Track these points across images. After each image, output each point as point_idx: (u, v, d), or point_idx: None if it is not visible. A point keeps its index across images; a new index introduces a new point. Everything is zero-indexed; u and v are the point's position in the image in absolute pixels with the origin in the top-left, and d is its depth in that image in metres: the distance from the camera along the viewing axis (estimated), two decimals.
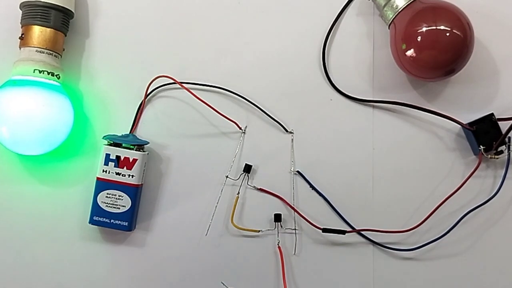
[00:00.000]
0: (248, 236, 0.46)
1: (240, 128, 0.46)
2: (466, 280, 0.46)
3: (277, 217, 0.45)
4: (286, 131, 0.47)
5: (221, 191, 0.45)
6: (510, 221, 0.45)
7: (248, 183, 0.46)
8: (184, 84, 0.46)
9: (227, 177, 0.46)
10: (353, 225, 0.46)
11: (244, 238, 0.46)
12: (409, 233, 0.45)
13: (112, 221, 0.44)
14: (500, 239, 0.46)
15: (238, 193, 0.46)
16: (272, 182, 0.46)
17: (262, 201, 0.46)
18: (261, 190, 0.46)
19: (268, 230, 0.46)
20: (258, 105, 0.46)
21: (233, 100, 0.47)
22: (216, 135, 0.47)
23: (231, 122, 0.46)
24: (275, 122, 0.46)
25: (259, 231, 0.45)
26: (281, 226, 0.45)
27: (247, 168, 0.46)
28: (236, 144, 0.46)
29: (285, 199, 0.46)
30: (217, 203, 0.45)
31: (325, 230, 0.45)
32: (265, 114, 0.46)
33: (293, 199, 0.46)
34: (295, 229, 0.46)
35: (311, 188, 0.46)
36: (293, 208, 0.46)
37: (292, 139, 0.47)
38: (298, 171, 0.46)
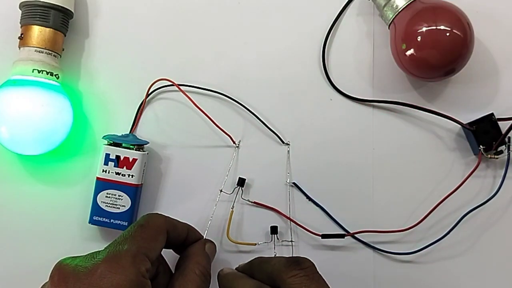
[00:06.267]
0: (244, 249, 0.46)
1: (234, 142, 0.46)
2: (466, 280, 0.46)
3: (273, 229, 0.45)
4: (283, 142, 0.46)
5: (215, 205, 0.45)
6: (510, 221, 0.46)
7: (243, 197, 0.46)
8: (184, 87, 0.46)
9: (221, 191, 0.45)
10: (352, 230, 0.46)
11: (241, 252, 0.46)
12: (408, 232, 0.45)
13: (112, 221, 0.44)
14: (500, 239, 0.46)
15: (233, 207, 0.45)
16: (268, 194, 0.46)
17: (257, 214, 0.46)
18: (255, 203, 0.46)
19: (265, 242, 0.45)
20: (256, 114, 0.46)
21: (231, 106, 0.47)
22: (215, 139, 0.47)
23: (228, 127, 0.46)
24: (273, 131, 0.46)
25: (255, 244, 0.45)
26: (278, 239, 0.45)
27: (241, 182, 0.45)
28: (233, 150, 0.46)
29: (280, 211, 0.46)
30: (211, 217, 0.45)
31: (324, 236, 0.45)
32: (262, 124, 0.46)
33: (289, 211, 0.46)
34: (291, 241, 0.45)
35: (307, 200, 0.46)
36: (289, 218, 0.45)
37: (288, 151, 0.46)
38: (294, 183, 0.46)
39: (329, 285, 0.35)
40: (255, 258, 0.40)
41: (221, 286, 0.39)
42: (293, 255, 0.45)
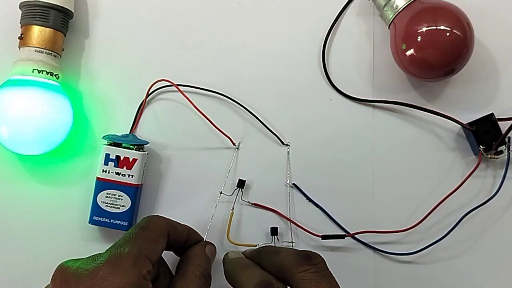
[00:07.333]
0: None
1: (234, 144, 0.46)
2: (466, 280, 0.46)
3: (274, 231, 0.45)
4: (283, 143, 0.46)
5: (215, 207, 0.45)
6: (510, 221, 0.46)
7: (243, 198, 0.46)
8: (183, 87, 0.46)
9: (221, 193, 0.45)
10: (352, 231, 0.46)
11: None
12: (408, 233, 0.45)
13: (112, 221, 0.44)
14: (500, 239, 0.46)
15: (233, 208, 0.45)
16: (268, 195, 0.46)
17: (257, 216, 0.46)
18: (255, 205, 0.46)
19: (265, 244, 0.45)
20: (256, 115, 0.46)
21: (231, 106, 0.47)
22: (215, 140, 0.47)
23: (228, 128, 0.46)
24: (273, 132, 0.46)
25: (255, 245, 0.45)
26: (278, 240, 0.45)
27: (241, 184, 0.45)
28: (233, 152, 0.46)
29: (281, 212, 0.46)
30: (211, 219, 0.45)
31: (324, 237, 0.45)
32: (262, 125, 0.46)
33: (289, 212, 0.46)
34: (292, 242, 0.45)
35: (307, 200, 0.46)
36: (288, 219, 0.45)
37: (288, 152, 0.46)
38: (294, 184, 0.46)
39: (338, 283, 0.34)
40: (264, 246, 0.39)
41: (225, 270, 0.39)
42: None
